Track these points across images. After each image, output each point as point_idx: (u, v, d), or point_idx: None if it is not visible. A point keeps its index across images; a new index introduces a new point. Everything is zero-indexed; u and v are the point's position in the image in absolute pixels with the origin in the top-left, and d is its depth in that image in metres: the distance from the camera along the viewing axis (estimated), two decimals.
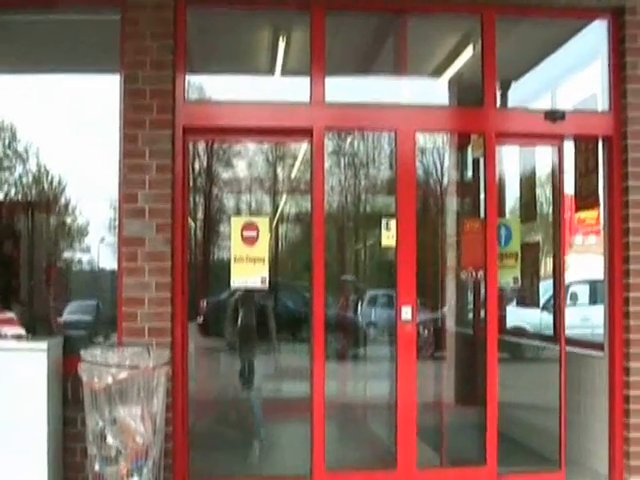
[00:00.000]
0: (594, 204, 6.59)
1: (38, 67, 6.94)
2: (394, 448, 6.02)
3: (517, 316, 9.05)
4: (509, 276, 6.83)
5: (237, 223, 6.06)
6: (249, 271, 5.96)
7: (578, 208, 7.02)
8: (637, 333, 6.06)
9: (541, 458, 6.59)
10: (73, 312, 7.92)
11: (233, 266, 5.98)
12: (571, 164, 6.81)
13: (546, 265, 9.04)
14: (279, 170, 13.89)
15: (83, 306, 8.19)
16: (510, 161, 7.91)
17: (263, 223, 6.05)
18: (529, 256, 7.08)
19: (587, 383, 6.50)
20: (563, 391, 6.24)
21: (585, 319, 6.88)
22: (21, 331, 5.50)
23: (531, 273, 7.06)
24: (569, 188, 7.00)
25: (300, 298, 11.85)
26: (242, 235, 5.97)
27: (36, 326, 6.14)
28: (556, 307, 6.96)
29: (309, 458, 5.94)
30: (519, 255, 6.77)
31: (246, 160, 12.77)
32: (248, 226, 5.99)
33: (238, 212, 13.55)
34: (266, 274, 5.97)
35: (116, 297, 5.77)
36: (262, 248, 5.96)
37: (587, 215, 6.78)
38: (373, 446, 7.12)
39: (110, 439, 4.95)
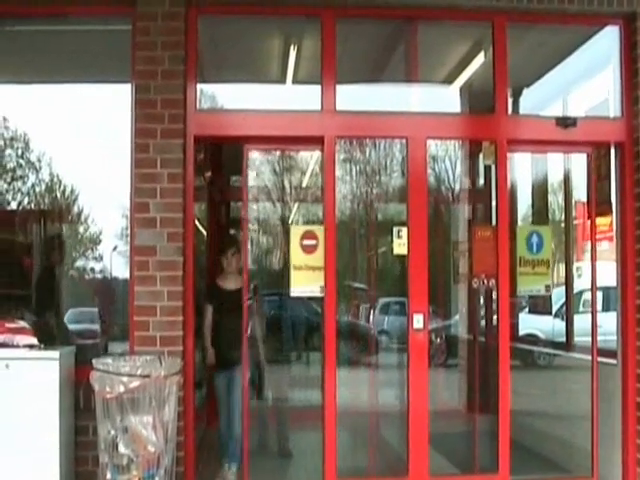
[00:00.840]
0: (607, 211, 6.55)
1: (50, 77, 6.97)
2: (406, 456, 6.01)
3: (529, 323, 9.01)
4: (541, 283, 6.76)
5: (297, 232, 6.09)
6: (308, 279, 5.99)
7: (591, 215, 6.99)
8: None
9: (554, 466, 6.56)
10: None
11: (293, 275, 6.01)
12: (583, 171, 6.78)
13: (559, 272, 9.01)
14: (291, 178, 13.92)
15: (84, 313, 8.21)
16: (522, 168, 7.90)
17: (321, 231, 6.06)
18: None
19: (600, 391, 6.46)
20: (595, 401, 6.21)
21: (598, 326, 6.84)
22: (33, 340, 5.51)
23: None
24: (582, 195, 6.98)
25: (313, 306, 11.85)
26: (301, 244, 6.00)
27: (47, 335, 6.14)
28: (568, 314, 6.92)
29: (321, 466, 5.93)
30: (550, 262, 6.72)
31: (261, 168, 12.81)
32: (307, 235, 6.02)
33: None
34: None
35: (127, 305, 5.80)
36: (321, 256, 5.99)
37: (600, 221, 6.72)
38: (385, 454, 7.09)
39: (122, 448, 4.94)
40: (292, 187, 13.83)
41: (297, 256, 6.03)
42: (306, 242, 6.03)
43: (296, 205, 14.77)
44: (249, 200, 12.90)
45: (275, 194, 14.35)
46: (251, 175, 13.92)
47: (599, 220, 6.53)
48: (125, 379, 4.92)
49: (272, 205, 19.12)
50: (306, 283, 6.03)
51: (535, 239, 6.56)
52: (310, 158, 10.91)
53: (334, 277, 5.95)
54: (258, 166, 12.40)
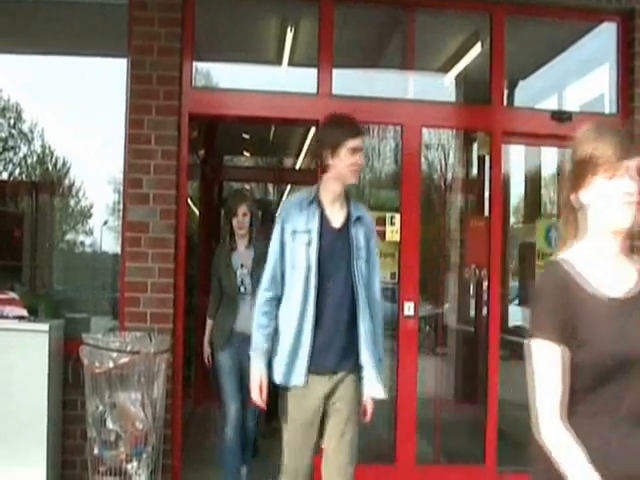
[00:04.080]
0: None
1: (45, 48, 6.90)
2: (394, 443, 6.02)
3: (518, 315, 9.03)
4: None
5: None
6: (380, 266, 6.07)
7: None
8: None
9: None
10: None
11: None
12: None
13: None
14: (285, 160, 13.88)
15: None
16: (516, 160, 7.89)
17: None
18: (530, 256, 7.07)
19: None
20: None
21: None
22: (23, 312, 5.50)
23: (533, 272, 7.04)
24: None
25: None
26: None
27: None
28: None
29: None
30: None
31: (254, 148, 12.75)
32: (380, 221, 6.04)
33: None
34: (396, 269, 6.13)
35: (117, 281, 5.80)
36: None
37: None
38: (372, 441, 7.11)
39: (110, 423, 4.97)
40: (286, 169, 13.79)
41: None
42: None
43: (288, 187, 14.78)
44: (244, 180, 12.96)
45: (270, 176, 14.32)
46: (245, 155, 13.91)
47: None
48: (114, 355, 4.94)
49: (265, 187, 19.14)
50: None
51: (554, 233, 6.57)
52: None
53: None
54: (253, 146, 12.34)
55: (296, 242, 3.80)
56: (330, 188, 3.88)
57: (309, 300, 3.75)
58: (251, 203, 6.00)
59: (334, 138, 3.83)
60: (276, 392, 3.90)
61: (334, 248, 3.83)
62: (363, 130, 3.96)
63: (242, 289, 5.70)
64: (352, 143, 3.82)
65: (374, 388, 3.91)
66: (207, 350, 5.92)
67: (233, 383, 5.64)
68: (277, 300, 3.88)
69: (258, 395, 3.83)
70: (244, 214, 5.80)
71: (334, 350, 3.80)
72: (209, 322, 5.95)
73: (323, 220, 3.84)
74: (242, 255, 5.81)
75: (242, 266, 5.75)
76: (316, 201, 3.87)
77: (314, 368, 3.77)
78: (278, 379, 3.83)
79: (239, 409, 5.64)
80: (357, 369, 3.86)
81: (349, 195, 3.99)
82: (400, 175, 6.17)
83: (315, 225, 3.81)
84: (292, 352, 3.78)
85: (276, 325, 3.87)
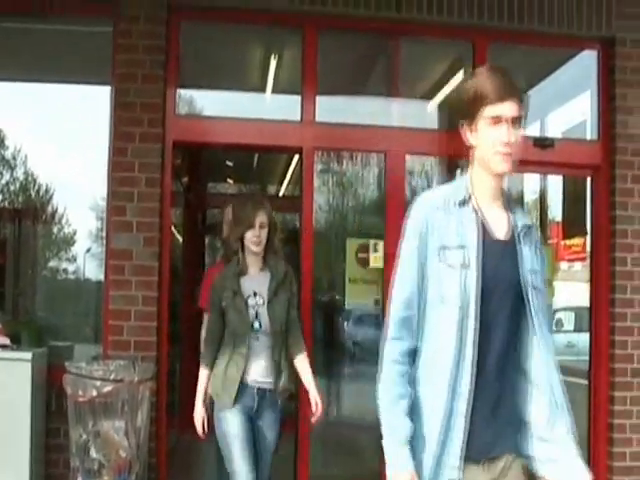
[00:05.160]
0: (581, 232, 6.60)
1: (28, 74, 6.90)
2: (378, 467, 5.96)
3: None
4: None
5: (352, 244, 6.06)
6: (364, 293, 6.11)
7: (565, 235, 7.04)
8: (622, 362, 6.07)
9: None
10: None
11: (348, 288, 6.09)
12: (559, 191, 6.84)
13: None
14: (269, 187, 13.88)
15: None
16: None
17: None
18: None
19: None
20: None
21: (570, 346, 6.86)
22: (6, 340, 5.45)
23: None
24: (557, 215, 7.03)
25: None
26: (357, 256, 5.99)
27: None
28: None
29: (292, 475, 5.92)
30: (552, 283, 6.72)
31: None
32: (364, 248, 6.00)
33: None
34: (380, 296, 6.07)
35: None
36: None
37: (573, 242, 6.77)
38: (357, 464, 7.08)
39: (93, 452, 4.94)
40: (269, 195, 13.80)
41: (352, 269, 6.28)
42: (362, 255, 6.09)
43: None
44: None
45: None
46: (229, 182, 13.90)
47: (573, 241, 6.57)
48: (98, 383, 4.91)
49: None
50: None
51: None
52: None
53: (310, 288, 5.92)
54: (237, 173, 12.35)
55: (445, 263, 2.51)
56: (485, 181, 2.62)
57: (466, 355, 2.46)
58: (270, 210, 4.66)
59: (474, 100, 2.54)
60: None
61: (499, 273, 2.55)
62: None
63: (256, 325, 4.39)
64: (492, 110, 2.53)
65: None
66: (201, 414, 4.47)
67: (245, 455, 4.30)
68: (414, 354, 2.58)
69: None
70: (261, 225, 4.52)
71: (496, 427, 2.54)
72: (204, 373, 4.47)
73: (484, 230, 2.57)
74: (255, 280, 4.51)
75: (255, 294, 4.44)
76: (471, 201, 2.62)
77: (470, 453, 2.47)
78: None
79: None
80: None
81: (507, 195, 2.72)
82: (384, 202, 6.17)
83: (473, 238, 2.53)
84: (442, 437, 2.47)
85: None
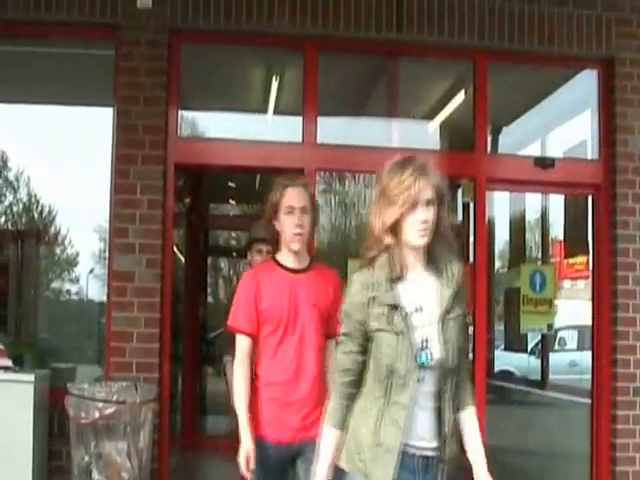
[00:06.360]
0: (583, 250, 6.60)
1: (31, 97, 6.94)
2: None
3: (505, 360, 9.02)
4: (543, 323, 6.77)
5: (354, 265, 6.08)
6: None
7: (567, 254, 7.04)
8: (624, 381, 6.05)
9: None
10: None
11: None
12: (561, 211, 6.84)
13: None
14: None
15: None
16: (500, 206, 7.94)
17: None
18: (516, 301, 7.07)
19: (573, 429, 6.47)
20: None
21: (573, 365, 6.85)
22: (8, 362, 5.45)
23: (519, 318, 7.02)
24: (559, 234, 7.03)
25: None
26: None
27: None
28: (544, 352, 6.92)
29: None
30: (553, 301, 6.74)
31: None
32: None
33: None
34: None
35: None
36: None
37: (576, 260, 6.76)
38: None
39: (96, 474, 4.93)
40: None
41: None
42: None
43: None
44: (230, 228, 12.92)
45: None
46: (231, 203, 13.92)
47: (575, 260, 6.57)
48: (100, 405, 4.90)
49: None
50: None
51: (538, 278, 6.59)
52: None
53: None
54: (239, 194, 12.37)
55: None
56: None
57: None
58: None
59: None
60: None
61: None
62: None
63: (423, 358, 2.71)
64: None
65: None
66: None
67: None
68: None
69: None
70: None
71: None
72: (330, 435, 2.81)
73: None
74: (418, 287, 2.80)
75: (421, 309, 2.78)
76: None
77: None
78: None
79: None
80: None
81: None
82: None
83: None
84: None
85: None
